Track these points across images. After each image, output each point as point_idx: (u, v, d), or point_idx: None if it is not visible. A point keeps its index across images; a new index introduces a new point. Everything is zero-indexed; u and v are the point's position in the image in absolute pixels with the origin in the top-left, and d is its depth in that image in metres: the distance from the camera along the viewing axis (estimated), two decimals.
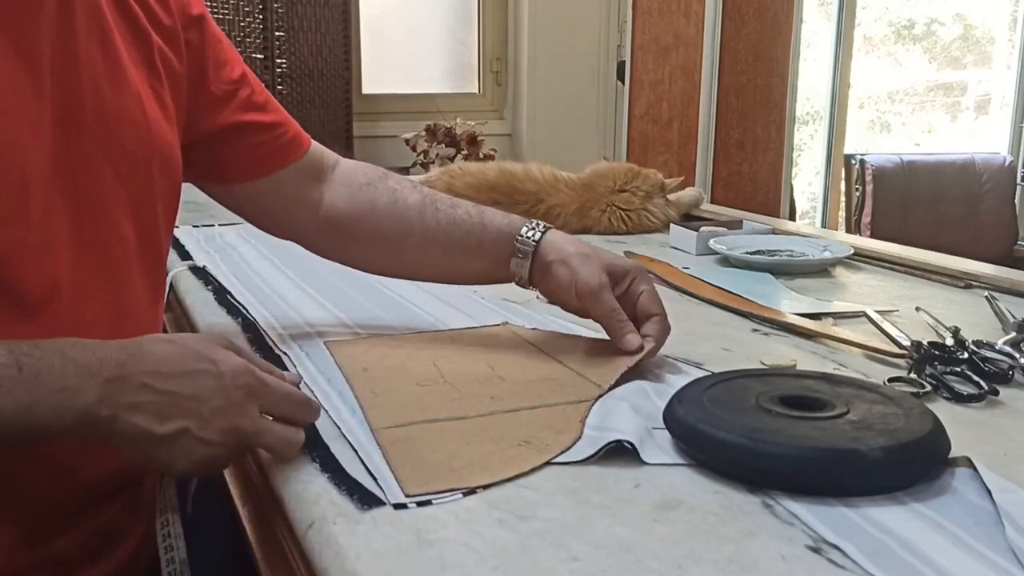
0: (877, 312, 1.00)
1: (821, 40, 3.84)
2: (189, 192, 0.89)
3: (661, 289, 1.16)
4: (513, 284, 0.89)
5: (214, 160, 0.89)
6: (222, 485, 0.73)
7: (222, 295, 1.08)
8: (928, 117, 4.75)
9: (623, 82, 3.46)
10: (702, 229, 1.43)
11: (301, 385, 0.78)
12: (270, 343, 0.90)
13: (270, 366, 0.68)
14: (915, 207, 3.60)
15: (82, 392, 0.58)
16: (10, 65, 0.67)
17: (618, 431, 0.64)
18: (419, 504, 0.56)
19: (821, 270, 1.29)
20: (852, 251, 1.33)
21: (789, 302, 1.09)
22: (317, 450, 0.65)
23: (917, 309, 1.04)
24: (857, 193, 3.61)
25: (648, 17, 3.19)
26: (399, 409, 0.70)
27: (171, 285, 1.14)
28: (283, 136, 0.91)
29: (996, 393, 0.75)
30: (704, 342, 0.92)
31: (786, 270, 1.27)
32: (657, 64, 3.18)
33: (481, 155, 2.92)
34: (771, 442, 0.59)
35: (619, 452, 0.63)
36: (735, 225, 1.57)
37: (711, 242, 1.38)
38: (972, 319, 1.01)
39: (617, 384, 0.75)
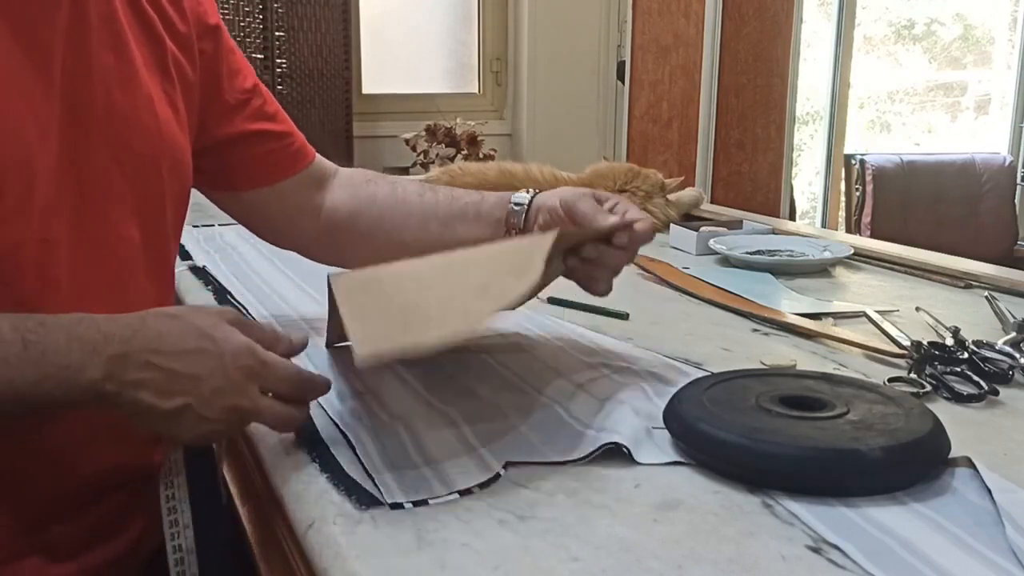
0: (877, 312, 1.00)
1: (821, 40, 3.84)
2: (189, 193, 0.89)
3: (661, 289, 1.16)
4: None
5: (223, 167, 0.91)
6: (224, 485, 0.73)
7: (222, 295, 1.08)
8: (928, 117, 4.75)
9: (623, 82, 3.46)
10: (702, 229, 1.43)
11: None
12: None
13: (276, 335, 0.67)
14: (915, 207, 3.60)
15: (87, 369, 0.59)
16: (20, 63, 0.68)
17: (616, 432, 0.64)
18: (416, 504, 0.56)
19: (821, 270, 1.29)
20: (852, 251, 1.33)
21: (789, 302, 1.09)
22: (317, 450, 0.65)
23: (917, 309, 1.04)
24: (857, 193, 3.61)
25: (648, 17, 3.19)
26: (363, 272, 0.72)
27: None
28: (291, 146, 0.94)
29: (996, 393, 0.75)
30: (704, 342, 0.92)
31: (786, 270, 1.27)
32: (657, 64, 3.18)
33: (481, 155, 2.92)
34: (771, 442, 0.59)
35: (619, 452, 0.63)
36: (735, 225, 1.57)
37: (711, 242, 1.38)
38: (972, 319, 1.01)
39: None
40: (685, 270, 1.24)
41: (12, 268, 0.67)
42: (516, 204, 0.90)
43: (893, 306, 1.06)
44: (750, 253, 1.33)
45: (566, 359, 0.84)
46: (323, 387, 0.68)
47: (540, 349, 0.87)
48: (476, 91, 3.71)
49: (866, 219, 3.55)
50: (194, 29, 0.84)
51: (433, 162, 2.87)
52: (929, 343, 0.84)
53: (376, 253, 0.95)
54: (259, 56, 3.01)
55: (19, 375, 0.58)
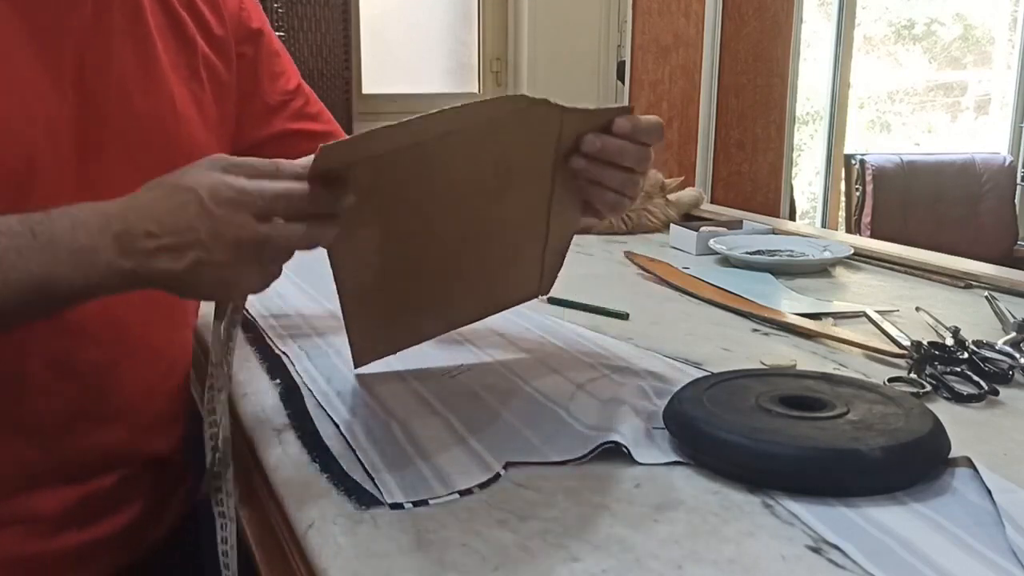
0: (877, 312, 1.00)
1: (821, 40, 3.84)
2: None
3: (661, 289, 1.16)
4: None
5: None
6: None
7: None
8: (928, 117, 4.75)
9: (623, 82, 3.46)
10: (702, 229, 1.43)
11: (300, 384, 0.78)
12: (270, 343, 0.90)
13: (259, 162, 0.62)
14: (915, 207, 3.60)
15: (101, 250, 0.59)
16: (32, 63, 0.69)
17: (616, 432, 0.64)
18: (415, 504, 0.56)
19: (821, 270, 1.29)
20: (852, 251, 1.33)
21: (789, 302, 1.09)
22: (317, 450, 0.65)
23: (917, 309, 1.04)
24: (857, 193, 3.61)
25: (648, 17, 3.19)
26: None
27: None
28: None
29: (996, 393, 0.75)
30: (704, 342, 0.92)
31: (786, 270, 1.27)
32: (657, 64, 3.18)
33: None
34: (771, 442, 0.59)
35: (619, 452, 0.63)
36: (735, 225, 1.57)
37: (711, 242, 1.38)
38: (972, 319, 1.01)
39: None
40: (685, 270, 1.24)
41: None
42: None
43: (893, 306, 1.06)
44: (750, 253, 1.33)
45: (566, 359, 0.84)
46: (328, 197, 0.61)
47: (540, 349, 0.87)
48: (476, 91, 3.71)
49: (866, 219, 3.56)
50: (233, 33, 0.85)
51: None
52: (929, 343, 0.84)
53: None
54: None
55: (35, 264, 0.58)
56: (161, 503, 0.85)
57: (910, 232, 3.36)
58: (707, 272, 1.23)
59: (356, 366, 0.79)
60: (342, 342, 0.80)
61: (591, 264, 1.30)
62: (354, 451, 0.64)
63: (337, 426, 0.68)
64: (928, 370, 0.79)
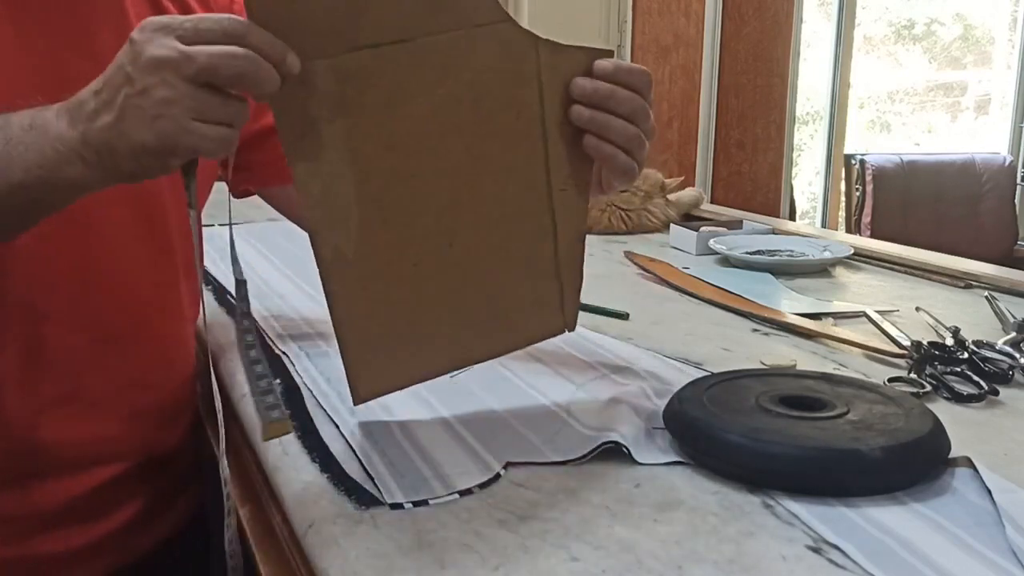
0: (877, 312, 1.00)
1: (821, 40, 3.84)
2: None
3: (661, 289, 1.16)
4: None
5: (266, 160, 0.90)
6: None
7: (222, 295, 1.08)
8: (928, 117, 4.75)
9: None
10: (702, 229, 1.43)
11: (300, 384, 0.78)
12: (269, 343, 0.90)
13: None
14: (915, 207, 3.60)
15: (53, 124, 0.58)
16: (10, 57, 0.69)
17: (616, 432, 0.64)
18: (416, 504, 0.56)
19: (821, 270, 1.29)
20: (852, 251, 1.33)
21: (789, 302, 1.09)
22: (317, 450, 0.65)
23: (917, 309, 1.04)
24: (857, 193, 3.61)
25: (648, 17, 3.19)
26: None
27: None
28: None
29: (996, 393, 0.75)
30: (704, 342, 0.92)
31: (786, 270, 1.27)
32: (657, 64, 3.17)
33: None
34: (771, 442, 0.59)
35: (619, 452, 0.63)
36: (735, 225, 1.57)
37: (711, 242, 1.38)
38: (972, 319, 1.01)
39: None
40: (685, 270, 1.24)
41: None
42: None
43: (893, 306, 1.06)
44: (750, 253, 1.33)
45: (566, 359, 0.84)
46: (268, 35, 0.56)
47: (540, 349, 0.87)
48: None
49: (866, 219, 3.56)
50: None
51: None
52: (929, 343, 0.84)
53: None
54: None
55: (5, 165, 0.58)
56: (163, 502, 0.85)
57: (910, 232, 3.36)
58: (707, 272, 1.23)
59: (356, 398, 0.67)
60: None
61: (591, 264, 1.29)
62: (354, 451, 0.64)
63: (337, 426, 0.68)
64: (928, 370, 0.79)
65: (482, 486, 0.58)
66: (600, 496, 0.57)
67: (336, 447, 0.65)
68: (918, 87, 4.72)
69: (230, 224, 0.71)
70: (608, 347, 0.88)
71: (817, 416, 0.63)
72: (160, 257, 0.81)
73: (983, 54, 4.66)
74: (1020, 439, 0.68)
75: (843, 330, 0.94)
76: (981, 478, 0.59)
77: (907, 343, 0.87)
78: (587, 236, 0.72)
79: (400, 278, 0.65)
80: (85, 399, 0.76)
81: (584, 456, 0.62)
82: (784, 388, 0.68)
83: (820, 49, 3.83)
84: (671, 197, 1.64)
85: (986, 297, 1.08)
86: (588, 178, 0.70)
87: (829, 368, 0.83)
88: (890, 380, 0.78)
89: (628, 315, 1.01)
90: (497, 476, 0.60)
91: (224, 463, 0.65)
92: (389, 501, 0.56)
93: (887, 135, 4.68)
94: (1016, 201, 3.78)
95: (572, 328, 0.73)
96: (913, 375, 0.79)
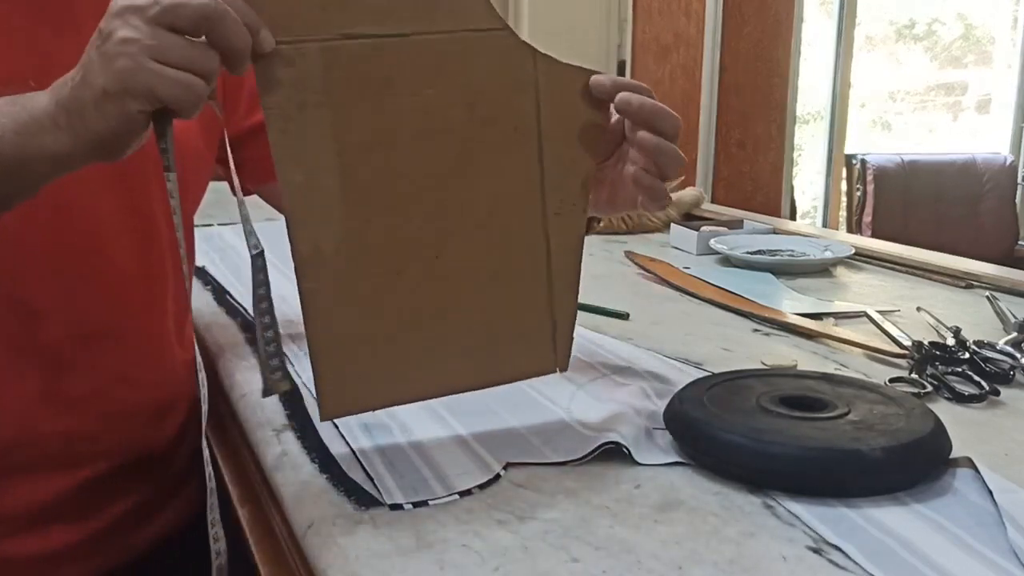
0: (878, 312, 1.00)
1: (822, 39, 3.84)
2: None
3: (661, 289, 1.16)
4: None
5: (261, 156, 0.89)
6: (222, 487, 0.73)
7: (221, 295, 1.08)
8: (929, 117, 4.74)
9: None
10: (703, 229, 1.43)
11: (300, 384, 0.77)
12: None
13: None
14: (916, 207, 3.60)
15: (37, 98, 0.58)
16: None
17: (616, 432, 0.64)
18: (415, 505, 0.56)
19: (822, 270, 1.29)
20: (853, 251, 1.33)
21: (790, 302, 1.09)
22: (317, 451, 0.65)
23: (918, 309, 1.03)
24: (858, 193, 3.61)
25: (648, 16, 3.19)
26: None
27: None
28: None
29: (997, 393, 0.75)
30: (704, 342, 0.92)
31: (787, 270, 1.27)
32: (657, 64, 3.17)
33: None
34: (772, 442, 0.59)
35: (619, 452, 0.63)
36: (736, 225, 1.57)
37: (712, 242, 1.37)
38: (973, 319, 1.01)
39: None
40: (686, 270, 1.24)
41: None
42: None
43: (894, 306, 1.06)
44: (751, 253, 1.32)
45: None
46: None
47: None
48: None
49: (867, 219, 3.55)
50: None
51: None
52: (930, 343, 0.84)
53: None
54: None
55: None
56: (156, 501, 0.84)
57: (911, 232, 3.35)
58: (708, 272, 1.23)
59: (323, 413, 0.62)
60: None
61: (591, 264, 1.29)
62: (353, 451, 0.64)
63: (336, 426, 0.68)
64: (929, 370, 0.79)
65: (482, 487, 0.58)
66: (600, 496, 0.57)
67: (336, 447, 0.65)
68: (919, 87, 4.71)
69: (237, 195, 0.67)
70: (608, 347, 0.88)
71: (818, 416, 0.63)
72: (147, 251, 0.80)
73: (984, 54, 4.65)
74: (1021, 439, 0.67)
75: (844, 330, 0.94)
76: (982, 478, 0.59)
77: (908, 343, 0.86)
78: (588, 236, 0.71)
79: (381, 285, 0.62)
80: (67, 395, 0.76)
81: (584, 456, 0.62)
82: (785, 388, 0.68)
83: (821, 48, 3.83)
84: (671, 197, 1.63)
85: (987, 297, 1.08)
86: (585, 206, 0.67)
87: (830, 368, 0.83)
88: (891, 380, 0.78)
89: (628, 315, 1.00)
90: (497, 476, 0.60)
91: (205, 444, 0.65)
92: (389, 502, 0.56)
93: (888, 135, 4.68)
94: (1017, 201, 3.78)
95: (564, 368, 0.68)
96: (914, 375, 0.79)
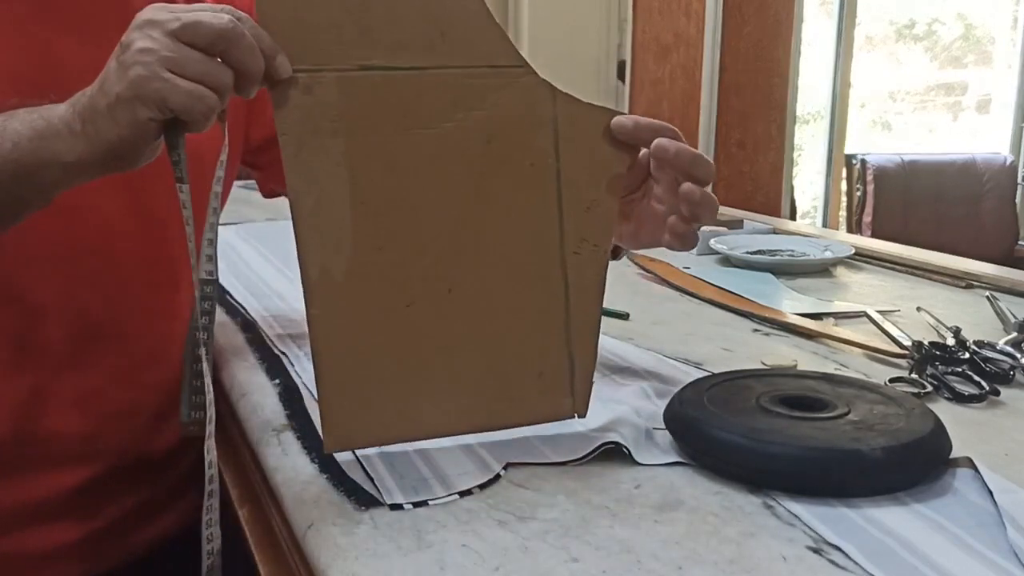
0: (878, 312, 1.00)
1: (822, 39, 3.84)
2: None
3: (661, 289, 1.16)
4: None
5: (278, 161, 0.89)
6: (222, 488, 0.73)
7: (221, 295, 1.08)
8: (929, 117, 4.74)
9: (623, 82, 3.46)
10: (703, 229, 1.43)
11: (300, 384, 0.77)
12: (269, 343, 0.90)
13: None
14: (916, 207, 3.60)
15: (53, 108, 0.60)
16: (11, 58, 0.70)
17: (616, 432, 0.64)
18: (415, 505, 0.56)
19: (822, 270, 1.29)
20: (853, 251, 1.33)
21: (790, 302, 1.09)
22: (317, 451, 0.65)
23: (918, 309, 1.03)
24: (858, 193, 3.61)
25: (648, 16, 3.19)
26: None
27: None
28: None
29: (997, 393, 0.75)
30: (704, 342, 0.92)
31: (787, 270, 1.27)
32: (657, 63, 3.17)
33: None
34: (772, 442, 0.59)
35: (619, 452, 0.63)
36: (736, 225, 1.57)
37: (712, 242, 1.37)
38: (973, 319, 1.01)
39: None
40: (686, 270, 1.24)
41: None
42: None
43: (894, 306, 1.06)
44: (751, 253, 1.32)
45: None
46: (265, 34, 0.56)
47: None
48: None
49: (867, 219, 3.55)
50: None
51: None
52: (930, 343, 0.84)
53: None
54: None
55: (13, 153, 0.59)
56: (159, 502, 0.84)
57: (911, 232, 3.35)
58: (708, 272, 1.23)
59: (327, 445, 0.61)
60: None
61: None
62: (353, 452, 0.64)
63: None
64: (929, 370, 0.79)
65: (482, 487, 0.58)
66: (600, 496, 0.57)
67: None
68: (919, 87, 4.71)
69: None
70: (608, 347, 0.88)
71: (818, 416, 0.63)
72: (154, 253, 0.80)
73: (984, 54, 4.65)
74: (1021, 439, 0.67)
75: (844, 330, 0.94)
76: (982, 478, 0.59)
77: (908, 343, 0.86)
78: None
79: (391, 317, 0.61)
80: (68, 394, 0.76)
81: (584, 456, 0.62)
82: (785, 388, 0.68)
83: (821, 48, 3.83)
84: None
85: (987, 297, 1.08)
86: (608, 247, 0.65)
87: (830, 368, 0.83)
88: (891, 380, 0.78)
89: (628, 315, 1.00)
90: (497, 476, 0.60)
91: (211, 444, 0.64)
92: (389, 502, 0.56)
93: (888, 135, 4.68)
94: (1017, 201, 3.78)
95: (583, 414, 0.66)
96: (914, 375, 0.79)
